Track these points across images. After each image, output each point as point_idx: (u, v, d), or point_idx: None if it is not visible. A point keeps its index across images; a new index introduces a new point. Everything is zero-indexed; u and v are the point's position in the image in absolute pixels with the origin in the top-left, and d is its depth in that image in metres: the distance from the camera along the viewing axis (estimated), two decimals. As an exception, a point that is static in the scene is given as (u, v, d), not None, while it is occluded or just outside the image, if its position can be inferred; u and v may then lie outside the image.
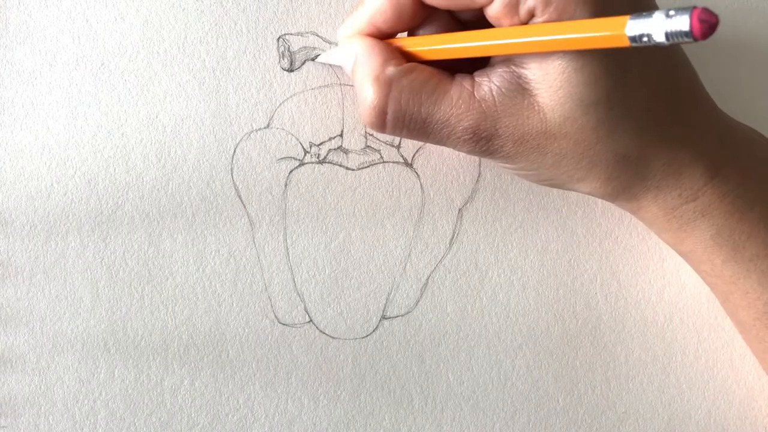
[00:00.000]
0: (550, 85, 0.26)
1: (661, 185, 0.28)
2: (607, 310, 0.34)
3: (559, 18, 0.25)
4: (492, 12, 0.26)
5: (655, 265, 0.35)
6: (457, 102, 0.27)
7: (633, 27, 0.22)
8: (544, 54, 0.26)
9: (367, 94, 0.27)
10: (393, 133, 0.28)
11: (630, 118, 0.27)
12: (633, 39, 0.22)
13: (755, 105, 0.30)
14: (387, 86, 0.27)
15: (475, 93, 0.27)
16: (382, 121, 0.28)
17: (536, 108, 0.26)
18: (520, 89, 0.27)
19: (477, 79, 0.27)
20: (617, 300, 0.34)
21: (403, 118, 0.28)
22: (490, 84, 0.27)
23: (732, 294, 0.30)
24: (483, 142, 0.27)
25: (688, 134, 0.28)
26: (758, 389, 0.34)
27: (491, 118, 0.27)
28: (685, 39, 0.21)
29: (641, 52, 0.26)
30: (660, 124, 0.27)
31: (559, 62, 0.26)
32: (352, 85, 0.33)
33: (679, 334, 0.34)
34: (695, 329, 0.35)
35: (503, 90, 0.27)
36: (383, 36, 0.29)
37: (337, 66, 0.33)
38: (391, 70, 0.27)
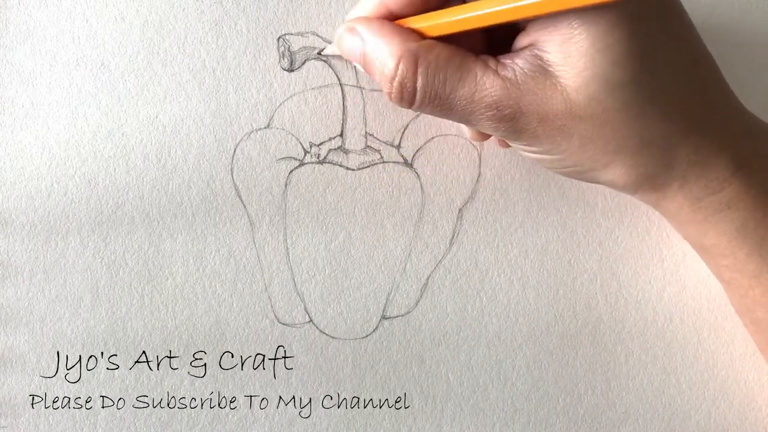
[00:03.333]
0: (574, 65, 0.26)
1: (687, 175, 0.28)
2: (607, 310, 0.34)
3: None
4: None
5: (655, 265, 0.35)
6: (481, 78, 0.27)
7: None
8: (566, 37, 0.26)
9: (393, 70, 0.27)
10: (419, 108, 0.28)
11: (656, 102, 0.27)
12: None
13: (755, 105, 0.30)
14: (414, 62, 0.27)
15: (499, 71, 0.27)
16: (412, 97, 0.28)
17: (559, 88, 0.26)
18: (543, 71, 0.27)
19: (501, 60, 0.27)
20: (617, 300, 0.34)
21: (431, 93, 0.28)
22: (513, 65, 0.27)
23: (752, 290, 0.30)
24: (507, 119, 0.27)
25: (714, 124, 0.28)
26: (758, 389, 0.34)
27: (514, 95, 0.27)
28: None
29: (667, 39, 0.25)
30: (686, 111, 0.27)
31: (582, 43, 0.26)
32: (352, 85, 0.33)
33: (679, 334, 0.34)
34: (695, 329, 0.35)
35: (526, 70, 0.27)
36: (393, 19, 0.29)
37: (339, 61, 0.33)
38: (413, 45, 0.27)
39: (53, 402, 0.32)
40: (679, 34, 0.28)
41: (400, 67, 0.27)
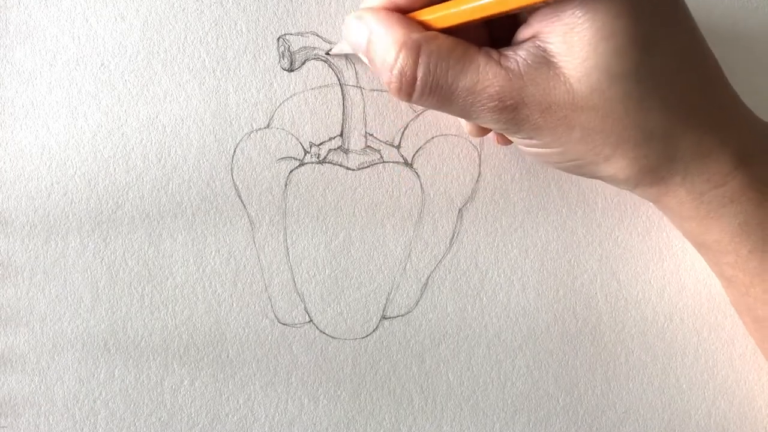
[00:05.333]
0: (576, 55, 0.26)
1: (690, 168, 0.28)
2: (607, 310, 0.34)
3: None
4: None
5: (655, 265, 0.35)
6: (483, 69, 0.27)
7: None
8: (568, 27, 0.26)
9: (393, 60, 0.27)
10: (419, 100, 0.28)
11: (658, 93, 0.27)
12: None
13: (754, 105, 0.30)
14: (416, 51, 0.27)
15: (501, 62, 0.27)
16: (411, 87, 0.27)
17: (562, 79, 0.26)
18: (546, 62, 0.26)
19: (503, 52, 0.27)
20: (617, 300, 0.34)
21: (432, 84, 0.27)
22: (515, 56, 0.27)
23: (754, 287, 0.30)
24: (509, 111, 0.27)
25: (716, 117, 0.28)
26: (758, 389, 0.34)
27: (517, 86, 0.27)
28: None
29: (669, 31, 0.25)
30: (688, 104, 0.27)
31: (584, 33, 0.26)
32: (352, 85, 0.33)
33: (679, 334, 0.34)
34: (695, 329, 0.35)
35: (529, 61, 0.27)
36: (401, 11, 0.29)
37: (339, 61, 0.33)
38: (416, 35, 0.27)
39: (53, 402, 0.32)
40: (681, 27, 0.28)
41: (401, 55, 0.27)
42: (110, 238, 0.32)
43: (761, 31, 0.35)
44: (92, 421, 0.32)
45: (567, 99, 0.26)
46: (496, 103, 0.27)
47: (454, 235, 0.34)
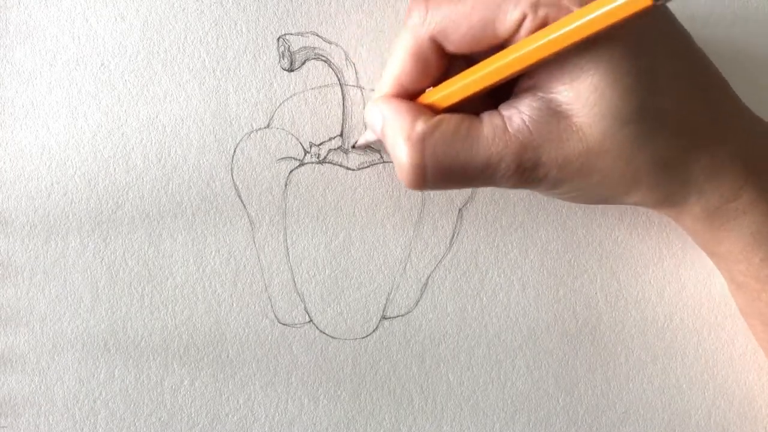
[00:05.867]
0: (584, 104, 0.26)
1: (704, 187, 0.28)
2: (607, 310, 0.34)
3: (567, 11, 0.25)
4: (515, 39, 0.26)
5: (655, 265, 0.35)
6: (493, 141, 0.27)
7: None
8: (574, 75, 0.26)
9: (402, 154, 0.27)
10: (436, 188, 0.28)
11: (666, 125, 0.27)
12: None
13: (753, 108, 0.30)
14: (421, 143, 0.27)
15: (509, 128, 0.27)
16: (422, 179, 0.27)
17: (574, 129, 0.26)
18: (554, 114, 0.26)
19: (505, 113, 0.27)
20: (617, 300, 0.34)
21: (444, 171, 0.27)
22: (521, 115, 0.27)
23: (765, 293, 0.30)
24: (528, 172, 0.27)
25: (723, 134, 0.28)
26: (758, 389, 0.34)
27: (531, 148, 0.27)
28: None
29: (670, 61, 0.25)
30: (696, 127, 0.28)
31: (591, 80, 0.26)
32: (352, 85, 0.33)
33: (679, 334, 0.34)
34: (695, 329, 0.35)
35: (536, 118, 0.26)
36: (411, 94, 0.29)
37: (339, 61, 0.33)
38: (420, 126, 0.27)
39: (53, 402, 0.32)
40: (680, 53, 0.28)
41: (408, 151, 0.27)
42: (110, 238, 0.32)
43: (759, 33, 0.35)
44: (92, 421, 0.32)
45: (581, 148, 0.26)
46: (515, 170, 0.27)
47: (454, 235, 0.34)
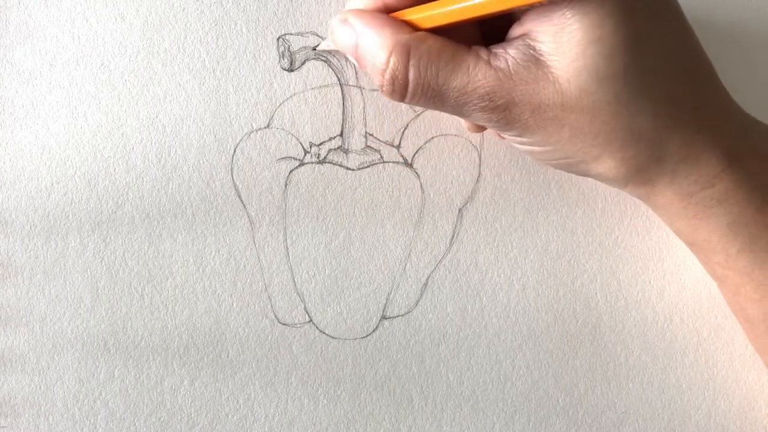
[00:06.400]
0: (565, 56, 0.26)
1: (678, 169, 0.28)
2: (607, 310, 0.34)
3: None
4: None
5: (655, 265, 0.35)
6: (473, 70, 0.27)
7: None
8: (559, 27, 0.26)
9: (384, 63, 0.27)
10: (411, 101, 0.28)
11: (647, 95, 0.27)
12: None
13: (751, 104, 0.30)
14: (406, 53, 0.27)
15: (491, 62, 0.27)
16: (403, 89, 0.28)
17: (551, 78, 0.26)
18: (536, 61, 0.26)
19: (493, 50, 0.27)
20: (617, 300, 0.34)
21: (423, 86, 0.27)
22: (505, 55, 0.27)
23: (744, 287, 0.30)
24: (500, 110, 0.27)
25: (706, 119, 0.28)
26: (758, 389, 0.34)
27: (507, 85, 0.27)
28: None
29: (659, 32, 0.25)
30: (677, 106, 0.27)
31: (574, 33, 0.26)
32: (352, 85, 0.33)
33: (679, 334, 0.34)
34: (695, 329, 0.35)
35: (519, 60, 0.27)
36: (389, 11, 0.29)
37: (339, 61, 0.33)
38: (406, 37, 0.27)
39: (53, 402, 0.32)
40: (672, 26, 0.28)
41: (392, 59, 0.27)
42: (110, 238, 0.32)
43: (758, 30, 0.35)
44: (92, 421, 0.32)
45: (556, 99, 0.27)
46: (487, 102, 0.27)
47: (454, 235, 0.34)
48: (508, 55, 0.27)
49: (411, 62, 0.27)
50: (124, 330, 0.32)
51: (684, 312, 0.35)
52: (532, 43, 0.27)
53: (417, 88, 0.27)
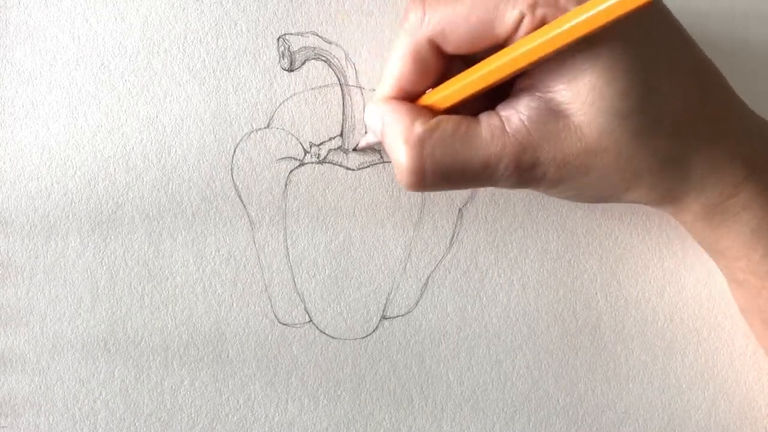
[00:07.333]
0: (584, 102, 0.26)
1: (704, 184, 0.28)
2: (607, 310, 0.34)
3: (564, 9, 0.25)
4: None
5: (655, 265, 0.35)
6: (491, 142, 0.27)
7: None
8: (572, 75, 0.26)
9: (401, 156, 0.27)
10: (435, 189, 0.28)
11: (664, 123, 0.27)
12: None
13: (754, 103, 0.30)
14: (419, 145, 0.27)
15: (507, 128, 0.27)
16: (421, 181, 0.27)
17: (572, 128, 0.26)
18: (552, 113, 0.26)
19: (503, 113, 0.27)
20: (617, 300, 0.34)
21: (443, 173, 0.27)
22: (519, 115, 0.27)
23: (765, 290, 0.30)
24: (526, 173, 0.27)
25: (723, 131, 0.28)
26: (758, 389, 0.34)
27: (530, 148, 0.27)
28: None
29: (668, 59, 0.25)
30: (694, 125, 0.28)
31: (589, 78, 0.26)
32: (352, 85, 0.33)
33: (679, 334, 0.34)
34: (695, 329, 0.35)
35: (534, 118, 0.26)
36: (411, 96, 0.29)
37: (338, 61, 0.33)
38: (419, 127, 0.27)
39: (53, 402, 0.32)
40: (679, 51, 0.28)
41: (407, 153, 0.27)
42: (110, 238, 0.32)
43: (759, 35, 0.35)
44: (92, 421, 0.32)
45: (580, 147, 0.26)
46: (513, 170, 0.27)
47: (454, 235, 0.34)
48: (522, 114, 0.27)
49: (425, 153, 0.27)
50: (124, 330, 0.32)
51: (684, 312, 0.35)
52: (545, 96, 0.26)
53: (436, 178, 0.27)
